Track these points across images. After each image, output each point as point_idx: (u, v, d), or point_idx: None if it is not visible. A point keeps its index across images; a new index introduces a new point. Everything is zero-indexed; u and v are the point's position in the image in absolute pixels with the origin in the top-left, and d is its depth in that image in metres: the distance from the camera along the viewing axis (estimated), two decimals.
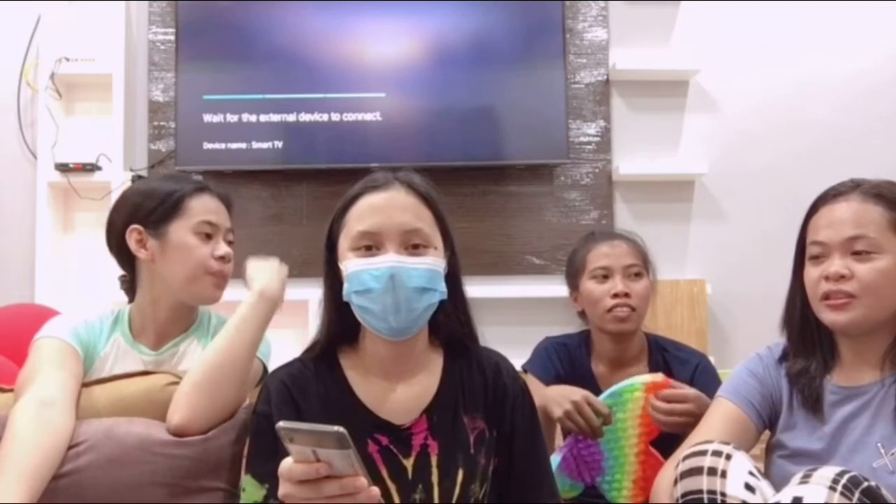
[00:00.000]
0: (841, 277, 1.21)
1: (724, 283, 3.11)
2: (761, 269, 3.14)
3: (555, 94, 3.03)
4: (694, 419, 1.41)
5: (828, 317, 1.25)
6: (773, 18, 3.21)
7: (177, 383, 1.27)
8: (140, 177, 2.94)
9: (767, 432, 1.37)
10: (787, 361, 1.34)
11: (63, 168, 2.94)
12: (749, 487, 1.08)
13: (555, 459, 1.52)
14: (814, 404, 1.27)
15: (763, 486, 1.10)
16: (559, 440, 1.69)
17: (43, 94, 2.97)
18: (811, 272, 1.28)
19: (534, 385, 1.63)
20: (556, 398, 1.51)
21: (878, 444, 1.20)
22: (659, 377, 1.50)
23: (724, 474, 1.09)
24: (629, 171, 3.08)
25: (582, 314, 1.74)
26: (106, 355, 1.39)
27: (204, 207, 1.43)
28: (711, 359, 1.72)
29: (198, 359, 1.30)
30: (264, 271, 1.41)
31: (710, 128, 3.19)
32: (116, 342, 1.41)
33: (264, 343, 1.40)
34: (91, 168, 2.97)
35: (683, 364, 1.65)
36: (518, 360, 1.32)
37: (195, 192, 1.43)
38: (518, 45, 3.05)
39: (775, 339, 1.40)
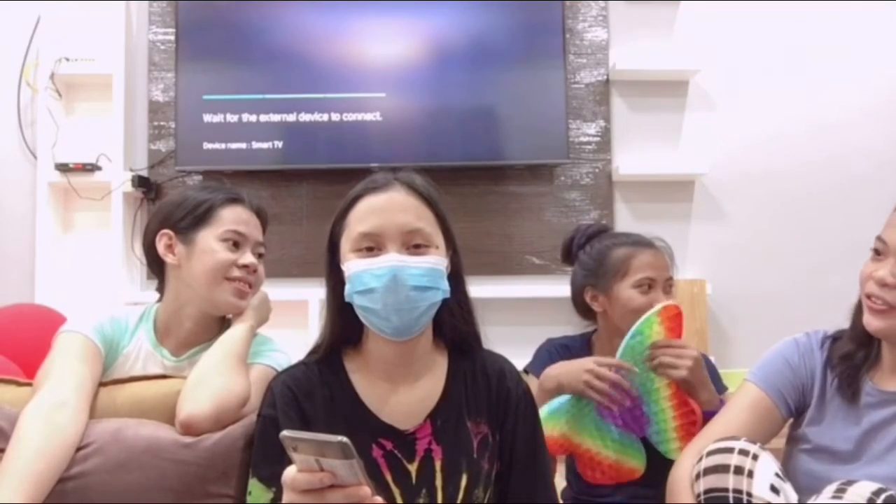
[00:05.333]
0: (885, 285, 1.18)
1: (724, 283, 3.11)
2: (761, 269, 3.15)
3: (555, 94, 3.03)
4: (689, 374, 1.44)
5: (865, 316, 1.23)
6: (773, 18, 3.21)
7: None
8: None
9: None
10: (835, 344, 1.30)
11: (63, 168, 2.94)
12: (774, 489, 1.07)
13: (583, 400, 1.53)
14: (848, 392, 1.24)
15: (787, 488, 1.09)
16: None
17: (43, 94, 2.97)
18: (867, 265, 1.24)
19: (535, 386, 1.63)
20: (568, 377, 1.51)
21: None
22: (670, 303, 1.52)
23: (750, 474, 1.08)
24: (629, 171, 3.08)
25: (590, 312, 1.73)
26: (129, 353, 1.39)
27: (233, 217, 1.43)
28: (711, 358, 1.72)
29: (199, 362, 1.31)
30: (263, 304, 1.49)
31: (710, 128, 3.20)
32: (140, 342, 1.41)
33: (284, 356, 1.42)
34: (91, 168, 2.97)
35: None
36: (517, 360, 1.32)
37: (227, 201, 1.44)
38: (518, 45, 3.05)
39: (775, 338, 1.39)
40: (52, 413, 1.18)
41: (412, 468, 1.13)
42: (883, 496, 1.00)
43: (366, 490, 0.88)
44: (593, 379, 1.48)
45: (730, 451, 1.11)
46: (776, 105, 3.21)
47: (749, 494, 1.07)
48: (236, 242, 1.42)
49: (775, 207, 3.18)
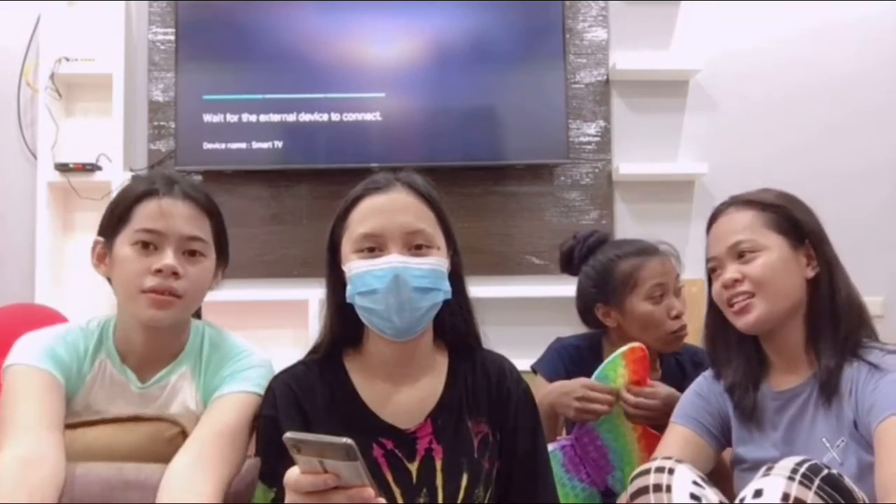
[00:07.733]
0: (735, 282, 1.30)
1: None
2: None
3: (555, 94, 3.02)
4: (665, 415, 1.44)
5: (737, 321, 1.31)
6: (773, 18, 3.21)
7: (182, 434, 1.16)
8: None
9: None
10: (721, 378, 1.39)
11: (63, 168, 2.94)
12: (694, 497, 1.10)
13: (553, 453, 1.52)
14: (752, 414, 1.32)
15: (708, 493, 1.11)
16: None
17: (43, 94, 2.96)
18: (714, 287, 1.36)
19: (542, 386, 1.63)
20: (560, 400, 1.52)
21: (823, 440, 1.23)
22: (636, 345, 1.52)
23: (668, 488, 1.11)
24: (629, 171, 3.08)
25: (596, 322, 1.71)
26: (92, 380, 1.24)
27: (145, 214, 1.21)
28: None
29: None
30: None
31: (710, 128, 3.19)
32: (103, 365, 1.25)
33: (264, 369, 1.27)
34: (91, 168, 2.96)
35: (697, 367, 1.64)
36: (517, 360, 1.33)
37: (143, 196, 1.22)
38: (518, 45, 3.04)
39: None
40: (27, 472, 1.04)
41: (413, 468, 1.13)
42: (805, 466, 1.03)
43: (369, 491, 0.88)
44: (586, 404, 1.49)
45: (647, 472, 1.15)
46: (776, 105, 3.20)
47: None
48: (148, 243, 1.20)
49: None
